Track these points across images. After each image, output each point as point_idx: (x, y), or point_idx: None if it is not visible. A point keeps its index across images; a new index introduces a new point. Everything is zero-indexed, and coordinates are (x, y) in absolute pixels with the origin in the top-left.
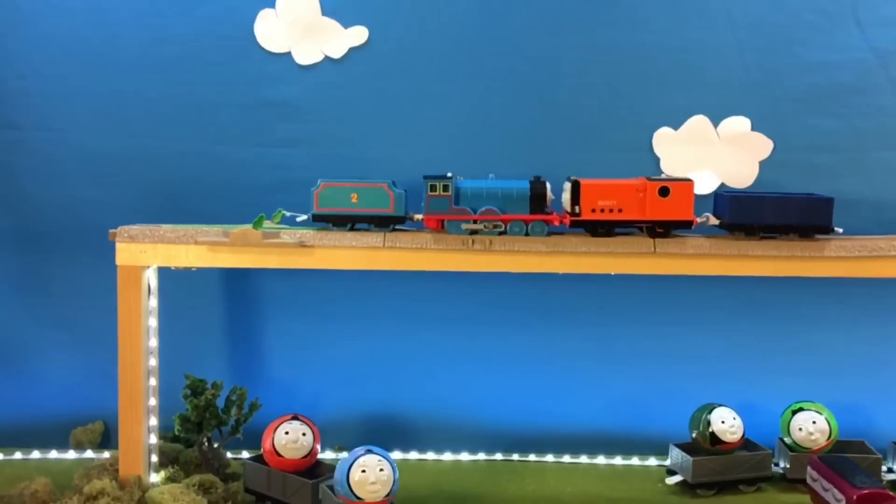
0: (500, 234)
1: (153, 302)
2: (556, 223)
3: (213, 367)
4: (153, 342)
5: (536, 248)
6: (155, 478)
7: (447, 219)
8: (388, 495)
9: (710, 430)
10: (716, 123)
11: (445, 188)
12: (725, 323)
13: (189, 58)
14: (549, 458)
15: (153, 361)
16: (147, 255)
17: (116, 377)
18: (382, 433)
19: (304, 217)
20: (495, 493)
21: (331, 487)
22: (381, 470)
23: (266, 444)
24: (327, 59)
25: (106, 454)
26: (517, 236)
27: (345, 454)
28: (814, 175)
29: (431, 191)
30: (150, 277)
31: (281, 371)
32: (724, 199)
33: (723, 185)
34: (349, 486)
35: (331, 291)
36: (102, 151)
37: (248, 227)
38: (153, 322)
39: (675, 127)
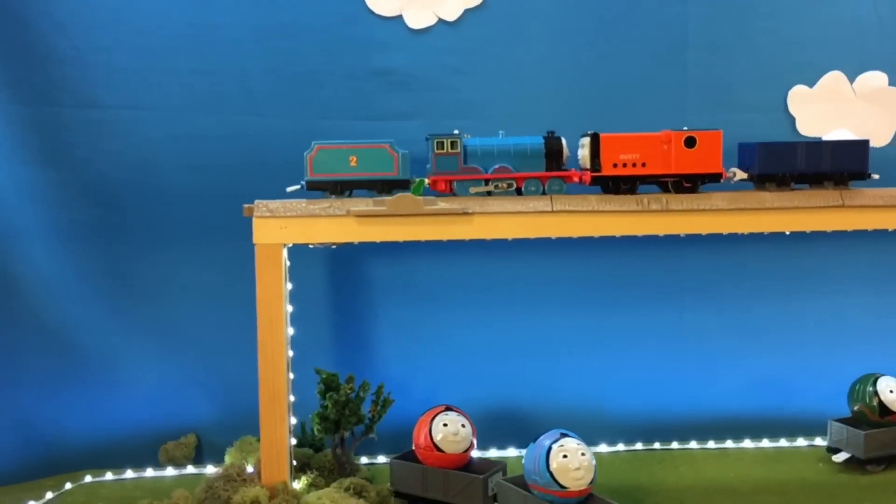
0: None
1: (289, 285)
2: (576, 179)
3: (318, 360)
4: (291, 331)
5: (716, 206)
6: (295, 485)
7: (457, 179)
8: (591, 483)
9: (878, 400)
10: (851, 79)
11: (453, 145)
12: (863, 289)
13: (290, 24)
14: (693, 444)
15: (290, 353)
16: (287, 231)
17: (209, 385)
18: (507, 426)
19: (296, 187)
20: (655, 482)
21: (510, 481)
22: (583, 454)
23: (420, 440)
24: (441, 22)
25: (210, 468)
26: (693, 194)
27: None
28: None
29: (439, 149)
30: (285, 258)
31: (392, 365)
32: (751, 149)
33: None
34: (550, 473)
35: (444, 276)
36: (194, 131)
37: (407, 193)
38: (290, 308)
39: (811, 84)
